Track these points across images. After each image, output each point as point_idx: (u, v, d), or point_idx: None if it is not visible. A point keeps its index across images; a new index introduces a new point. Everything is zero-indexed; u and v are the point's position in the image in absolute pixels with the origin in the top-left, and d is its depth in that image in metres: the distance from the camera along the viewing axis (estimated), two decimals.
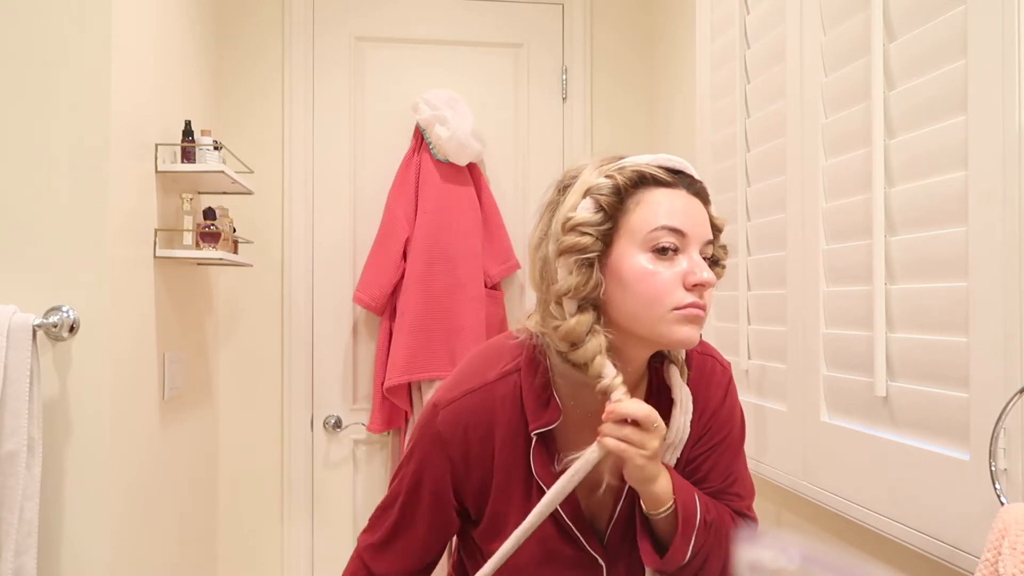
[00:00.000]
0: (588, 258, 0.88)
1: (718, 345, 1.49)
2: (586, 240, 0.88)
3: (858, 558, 1.28)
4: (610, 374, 0.89)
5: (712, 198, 0.96)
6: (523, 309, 2.49)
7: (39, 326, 1.42)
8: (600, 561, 0.96)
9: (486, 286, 2.32)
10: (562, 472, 0.89)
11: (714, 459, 1.02)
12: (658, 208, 0.88)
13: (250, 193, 2.10)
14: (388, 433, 2.40)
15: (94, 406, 1.49)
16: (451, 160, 2.28)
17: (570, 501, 0.94)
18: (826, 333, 1.32)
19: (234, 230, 2.06)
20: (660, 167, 0.90)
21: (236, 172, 1.97)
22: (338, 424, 2.41)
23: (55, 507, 1.47)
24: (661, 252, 0.87)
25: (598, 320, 0.90)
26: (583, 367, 0.90)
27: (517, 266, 2.41)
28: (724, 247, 0.97)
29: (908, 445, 1.10)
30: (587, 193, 0.90)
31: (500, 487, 0.96)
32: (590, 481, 0.92)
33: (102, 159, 1.50)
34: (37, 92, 1.48)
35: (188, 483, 2.05)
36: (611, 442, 0.87)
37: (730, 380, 1.06)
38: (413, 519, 0.99)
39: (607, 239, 0.89)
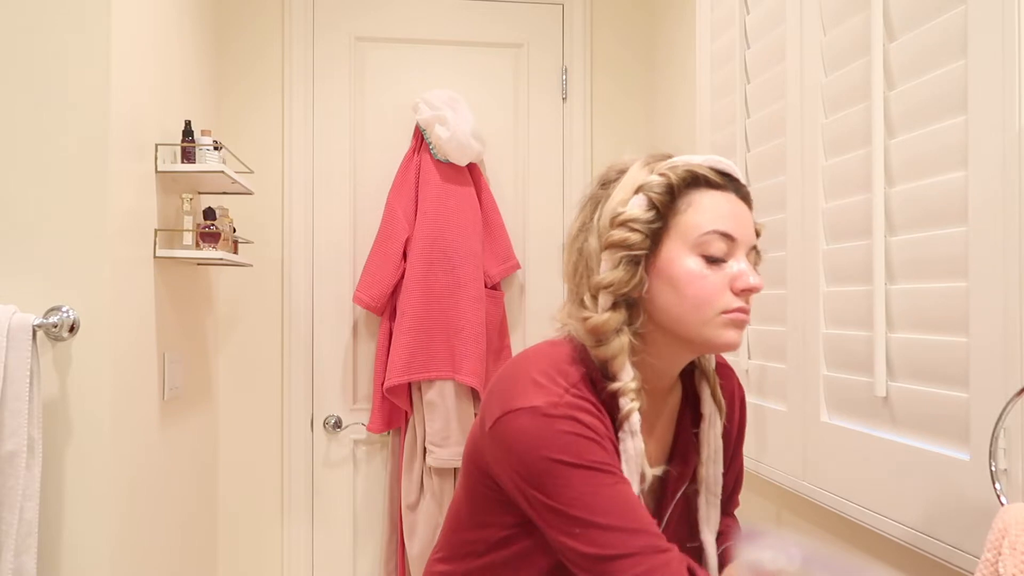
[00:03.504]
0: (635, 255, 0.88)
1: None
2: (636, 237, 0.88)
3: (858, 558, 1.28)
4: (626, 377, 0.88)
5: None
6: (523, 309, 2.49)
7: (39, 326, 1.42)
8: None
9: (486, 286, 2.32)
10: None
11: (736, 465, 1.06)
12: (710, 211, 0.88)
13: (250, 193, 2.10)
14: (388, 433, 2.40)
15: (94, 406, 1.49)
16: (451, 160, 2.28)
17: None
18: (826, 333, 1.32)
19: (234, 230, 2.06)
20: (712, 168, 0.90)
21: (236, 172, 1.97)
22: (338, 424, 2.40)
23: (55, 507, 1.47)
24: (711, 257, 0.88)
25: (629, 321, 0.89)
26: (603, 365, 0.89)
27: (517, 266, 2.41)
28: (759, 251, 0.97)
29: (908, 445, 1.10)
30: (639, 190, 0.89)
31: None
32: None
33: (102, 159, 1.50)
34: (37, 92, 1.48)
35: (188, 483, 2.05)
36: None
37: (743, 390, 1.09)
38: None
39: (656, 238, 0.89)
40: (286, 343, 2.38)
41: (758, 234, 0.94)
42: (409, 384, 2.27)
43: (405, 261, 2.28)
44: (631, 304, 0.90)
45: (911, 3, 1.11)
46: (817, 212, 1.33)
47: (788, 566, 0.85)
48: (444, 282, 2.25)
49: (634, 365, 0.90)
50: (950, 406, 1.02)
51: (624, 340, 0.88)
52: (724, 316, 0.87)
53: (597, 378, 0.89)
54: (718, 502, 0.97)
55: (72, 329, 1.46)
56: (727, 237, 0.88)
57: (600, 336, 0.88)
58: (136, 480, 1.65)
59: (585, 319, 0.89)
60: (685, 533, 0.98)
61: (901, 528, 1.11)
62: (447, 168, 2.30)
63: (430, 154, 2.30)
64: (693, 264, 0.87)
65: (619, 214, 0.89)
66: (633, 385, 0.88)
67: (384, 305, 2.30)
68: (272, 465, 2.38)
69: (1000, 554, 0.79)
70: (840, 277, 1.28)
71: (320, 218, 2.40)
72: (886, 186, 1.16)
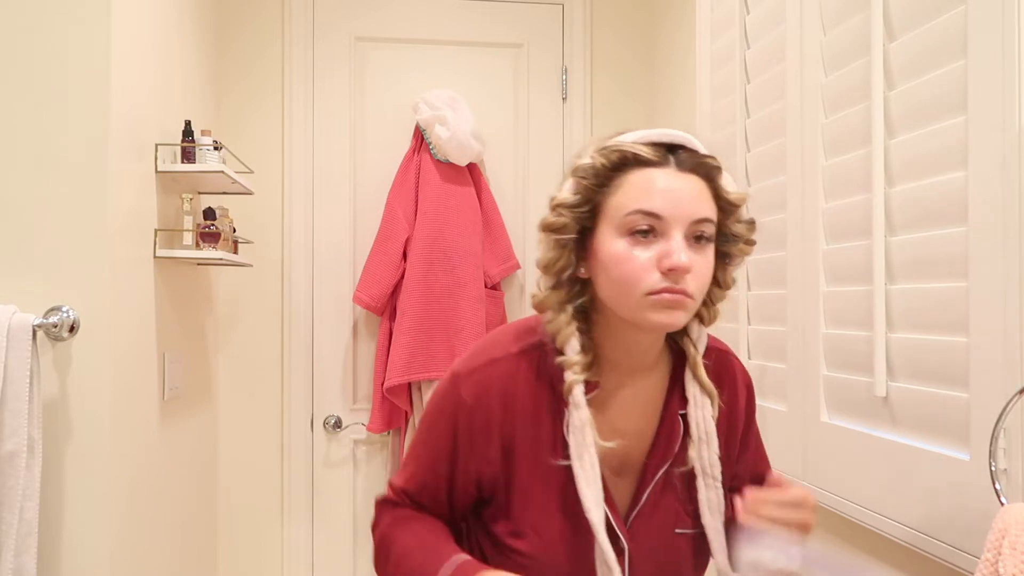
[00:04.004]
0: (564, 238, 0.90)
1: None
2: (562, 221, 0.89)
3: (858, 558, 1.28)
4: (571, 351, 0.90)
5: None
6: (523, 309, 2.49)
7: (39, 326, 1.42)
8: (623, 542, 0.93)
9: (486, 286, 2.32)
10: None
11: (749, 454, 1.05)
12: (636, 190, 0.86)
13: (250, 193, 2.10)
14: (388, 433, 2.39)
15: (94, 406, 1.49)
16: (451, 160, 2.28)
17: (604, 485, 0.93)
18: (826, 333, 1.32)
19: (234, 230, 2.06)
20: (651, 143, 0.88)
21: (236, 172, 1.97)
22: (338, 424, 2.40)
23: (55, 507, 1.47)
24: (640, 235, 0.86)
25: (571, 299, 0.92)
26: (553, 340, 0.92)
27: (517, 266, 2.41)
28: (751, 222, 0.94)
29: (908, 445, 1.10)
30: (572, 174, 0.91)
31: (524, 459, 0.94)
32: (616, 463, 0.94)
33: (102, 159, 1.50)
34: (37, 92, 1.48)
35: (188, 483, 2.05)
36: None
37: (749, 376, 1.07)
38: (436, 489, 0.98)
39: (590, 221, 0.89)
40: (286, 343, 2.38)
41: (733, 203, 0.90)
42: (409, 384, 2.27)
43: (405, 261, 2.28)
44: (574, 283, 0.92)
45: (911, 3, 1.11)
46: (817, 212, 1.33)
47: (788, 566, 0.85)
48: (444, 282, 2.25)
49: (598, 343, 0.93)
50: (950, 406, 1.02)
51: (564, 318, 0.91)
52: (651, 297, 0.85)
53: (550, 350, 0.93)
54: (718, 485, 0.95)
55: (72, 329, 1.46)
56: (652, 215, 0.85)
57: (543, 312, 0.94)
58: (136, 480, 1.65)
59: (533, 296, 0.95)
60: (676, 517, 0.96)
61: (901, 528, 1.11)
62: (447, 168, 2.30)
63: (430, 154, 2.30)
64: (619, 246, 0.86)
65: (552, 198, 0.92)
66: (577, 359, 0.90)
67: (384, 305, 2.30)
68: (272, 465, 2.38)
69: (1000, 554, 0.79)
70: (840, 277, 1.28)
71: (320, 218, 2.40)
72: (886, 186, 1.16)
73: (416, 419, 2.28)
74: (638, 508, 0.95)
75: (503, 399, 0.93)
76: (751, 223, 0.94)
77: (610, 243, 0.87)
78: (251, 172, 2.17)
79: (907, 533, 1.10)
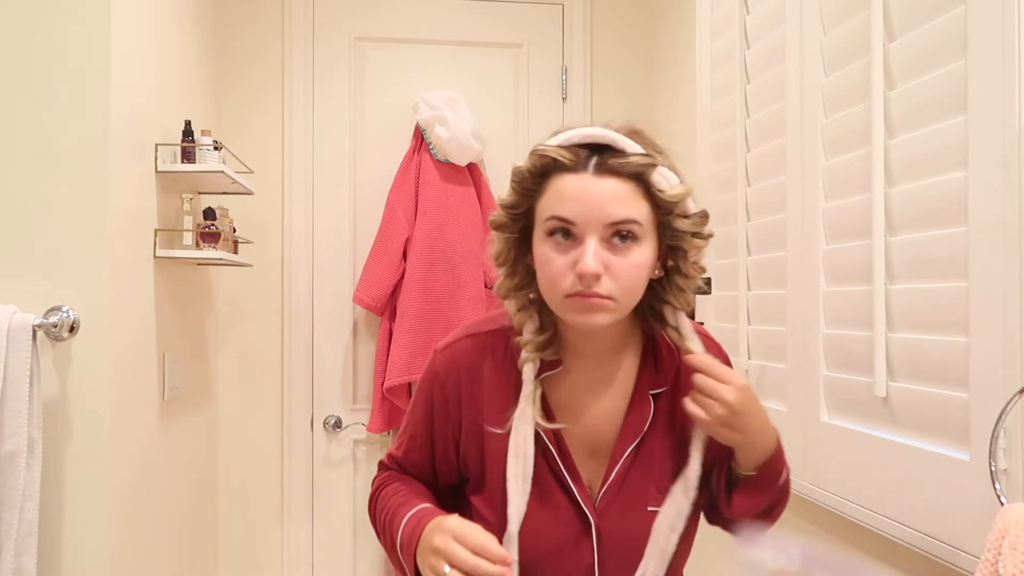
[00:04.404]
0: (504, 236, 0.96)
1: None
2: (501, 219, 0.95)
3: (858, 558, 1.28)
4: (526, 333, 0.97)
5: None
6: None
7: (39, 326, 1.42)
8: (591, 518, 0.96)
9: (486, 286, 2.32)
10: None
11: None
12: (554, 196, 0.89)
13: (250, 193, 2.10)
14: (388, 433, 2.39)
15: (94, 406, 1.49)
16: (451, 160, 2.28)
17: (568, 462, 0.97)
18: (826, 333, 1.32)
19: (234, 230, 2.06)
20: (574, 145, 0.89)
21: (236, 172, 1.97)
22: (338, 424, 2.40)
23: (55, 507, 1.47)
24: (559, 238, 0.89)
25: (525, 288, 0.97)
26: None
27: None
28: (702, 215, 0.92)
29: (908, 445, 1.10)
30: (511, 177, 0.94)
31: (492, 433, 0.98)
32: (589, 443, 0.98)
33: (102, 159, 1.50)
34: (37, 92, 1.48)
35: (188, 483, 2.05)
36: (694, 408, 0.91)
37: (726, 354, 1.07)
38: (420, 456, 1.06)
39: (526, 221, 0.94)
40: (286, 343, 2.38)
41: (670, 201, 0.88)
42: (409, 384, 2.26)
43: (405, 261, 2.28)
44: (525, 273, 0.97)
45: (911, 3, 1.11)
46: (817, 212, 1.33)
47: (788, 566, 0.85)
48: (444, 282, 2.25)
49: (560, 329, 0.98)
50: (950, 406, 1.02)
51: (515, 304, 0.98)
52: (568, 300, 0.89)
53: (516, 332, 1.00)
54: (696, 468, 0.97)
55: (72, 329, 1.46)
56: (565, 221, 0.88)
57: (499, 298, 1.00)
58: (136, 480, 1.65)
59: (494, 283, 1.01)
60: (647, 495, 0.97)
61: (901, 528, 1.11)
62: (447, 168, 2.30)
63: (430, 154, 2.30)
64: (543, 249, 0.91)
65: (500, 197, 0.97)
66: (530, 338, 0.96)
67: (384, 305, 2.30)
68: (272, 465, 2.38)
69: (1000, 554, 0.79)
70: (840, 277, 1.28)
71: (320, 218, 2.40)
72: (886, 186, 1.16)
73: None
74: (605, 486, 0.97)
75: (470, 372, 1.00)
76: (701, 216, 0.93)
77: (538, 245, 0.92)
78: (251, 172, 2.17)
79: (907, 533, 1.10)
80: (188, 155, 1.80)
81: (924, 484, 1.07)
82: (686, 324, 0.98)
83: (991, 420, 0.90)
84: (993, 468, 0.89)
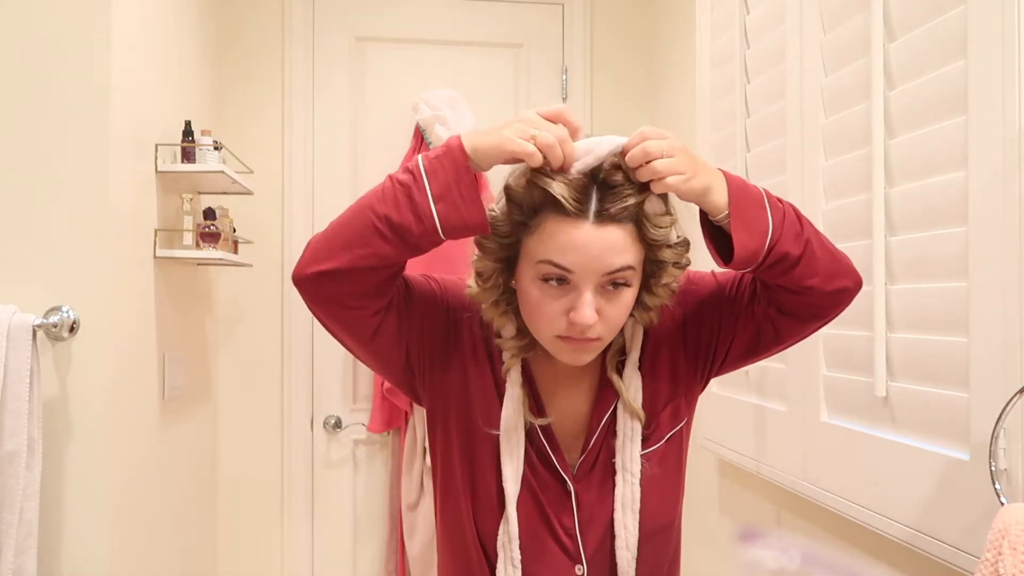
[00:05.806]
0: (487, 247, 0.92)
1: None
2: (490, 244, 0.91)
3: (858, 558, 1.28)
4: (505, 334, 0.96)
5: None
6: None
7: (39, 326, 1.42)
8: (570, 484, 0.97)
9: None
10: None
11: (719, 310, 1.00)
12: (550, 240, 0.85)
13: (250, 193, 2.10)
14: (388, 433, 2.39)
15: (94, 406, 1.49)
16: None
17: (553, 442, 0.98)
18: (826, 333, 1.31)
19: (234, 230, 2.06)
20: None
21: (236, 172, 1.97)
22: (338, 424, 2.40)
23: (55, 507, 1.47)
24: (553, 282, 0.87)
25: (504, 298, 0.95)
26: None
27: None
28: (683, 244, 0.91)
29: (908, 445, 1.10)
30: (503, 192, 0.90)
31: (477, 424, 0.98)
32: (568, 416, 0.99)
33: (102, 159, 1.50)
34: (37, 92, 1.48)
35: (188, 483, 2.05)
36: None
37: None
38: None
39: (514, 250, 0.91)
40: (286, 343, 2.38)
41: (660, 244, 0.88)
42: None
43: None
44: (505, 290, 0.95)
45: (911, 3, 1.11)
46: (817, 212, 1.33)
47: (788, 566, 0.85)
48: None
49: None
50: (950, 406, 1.02)
51: (492, 311, 0.95)
52: (558, 340, 0.89)
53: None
54: (635, 482, 0.97)
55: (72, 329, 1.46)
56: (563, 269, 0.85)
57: (479, 304, 0.97)
58: (136, 480, 1.65)
59: (468, 288, 0.98)
60: (609, 467, 0.98)
61: (901, 528, 1.11)
62: None
63: None
64: (533, 289, 0.88)
65: (491, 209, 0.90)
66: (512, 343, 0.96)
67: None
68: (272, 465, 2.38)
69: (1000, 554, 0.79)
70: None
71: (320, 218, 2.40)
72: (886, 186, 1.16)
73: (416, 419, 2.28)
74: (577, 465, 0.98)
75: (469, 306, 0.99)
76: (683, 245, 0.92)
77: (526, 280, 0.90)
78: (251, 172, 2.17)
79: (907, 533, 1.10)
80: (188, 155, 1.80)
81: (924, 484, 1.07)
82: (638, 339, 0.99)
83: (991, 420, 0.90)
84: (993, 468, 0.89)
